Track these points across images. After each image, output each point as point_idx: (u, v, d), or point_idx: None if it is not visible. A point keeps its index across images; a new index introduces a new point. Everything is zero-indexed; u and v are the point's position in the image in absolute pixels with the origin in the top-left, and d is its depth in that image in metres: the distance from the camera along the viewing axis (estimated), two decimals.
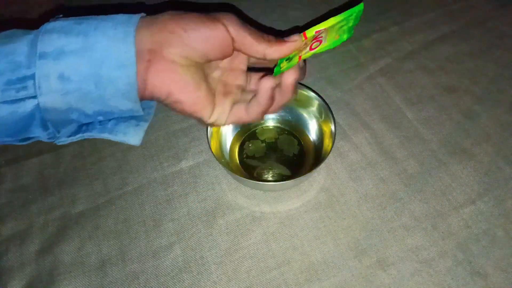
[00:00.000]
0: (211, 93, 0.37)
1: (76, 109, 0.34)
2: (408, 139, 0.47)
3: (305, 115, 0.47)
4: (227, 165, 0.44)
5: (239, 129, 0.48)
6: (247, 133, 0.48)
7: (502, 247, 0.39)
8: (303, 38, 0.32)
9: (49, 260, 0.40)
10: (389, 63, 0.54)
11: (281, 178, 0.44)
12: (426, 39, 0.57)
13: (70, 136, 0.39)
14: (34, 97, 0.33)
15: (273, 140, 0.47)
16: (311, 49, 0.34)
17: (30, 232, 0.41)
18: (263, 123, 0.48)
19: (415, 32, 0.58)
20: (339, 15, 0.31)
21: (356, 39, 0.57)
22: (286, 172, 0.45)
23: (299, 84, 0.46)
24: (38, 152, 0.47)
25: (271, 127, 0.48)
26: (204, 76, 0.36)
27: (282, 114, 0.48)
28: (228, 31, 0.33)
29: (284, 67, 0.34)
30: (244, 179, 0.41)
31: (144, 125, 0.41)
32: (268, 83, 0.34)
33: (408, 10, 0.61)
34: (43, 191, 0.44)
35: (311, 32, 0.32)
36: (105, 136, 0.39)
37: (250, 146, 0.47)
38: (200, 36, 0.33)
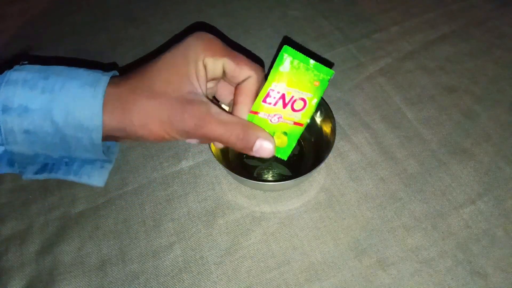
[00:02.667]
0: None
1: (42, 154, 0.34)
2: (408, 139, 0.47)
3: None
4: (227, 165, 0.44)
5: None
6: None
7: (502, 247, 0.39)
8: (254, 115, 0.31)
9: (49, 260, 0.40)
10: (389, 63, 0.54)
11: (281, 178, 0.44)
12: (426, 39, 0.57)
13: (36, 173, 0.38)
14: (1, 144, 0.32)
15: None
16: (294, 110, 0.32)
17: (30, 232, 0.41)
18: None
19: (415, 32, 0.58)
20: (271, 70, 0.30)
21: (356, 39, 0.57)
22: (286, 172, 0.45)
23: None
24: None
25: None
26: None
27: None
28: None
29: (286, 142, 0.33)
30: (244, 179, 0.41)
31: (109, 167, 0.40)
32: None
33: (408, 10, 0.61)
34: (43, 191, 0.44)
35: (257, 105, 0.31)
36: (70, 178, 0.39)
37: None
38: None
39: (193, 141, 0.34)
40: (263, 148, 0.31)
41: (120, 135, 0.32)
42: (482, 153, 0.45)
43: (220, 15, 0.61)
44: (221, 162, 0.40)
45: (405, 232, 0.40)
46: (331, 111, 0.43)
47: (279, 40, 0.58)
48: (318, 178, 0.44)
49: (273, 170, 0.45)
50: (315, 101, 0.32)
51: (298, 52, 0.30)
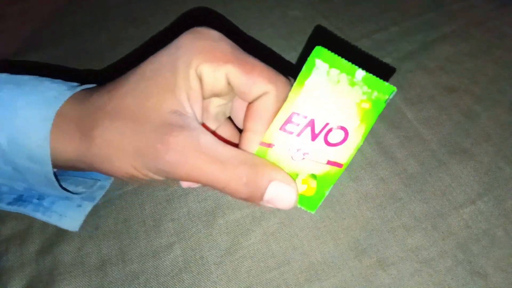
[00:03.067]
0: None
1: (4, 184, 0.28)
2: (408, 139, 0.47)
3: None
4: None
5: None
6: None
7: (502, 247, 0.39)
8: (267, 149, 0.22)
9: (49, 260, 0.40)
10: (389, 63, 0.54)
11: None
12: (426, 39, 0.57)
13: (9, 204, 0.34)
14: None
15: None
16: (329, 144, 0.22)
17: (30, 232, 0.41)
18: None
19: (415, 32, 0.58)
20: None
21: (356, 39, 0.57)
22: None
23: None
24: None
25: None
26: None
27: None
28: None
29: (315, 189, 0.24)
30: None
31: (88, 206, 0.33)
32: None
33: (408, 10, 0.61)
34: None
35: (272, 135, 0.21)
36: (38, 216, 0.32)
37: None
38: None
39: (185, 184, 0.26)
40: (280, 196, 0.21)
41: (84, 167, 0.24)
42: (482, 153, 0.45)
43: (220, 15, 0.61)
44: None
45: (405, 232, 0.40)
46: None
47: (279, 40, 0.58)
48: None
49: None
50: (362, 132, 0.23)
51: (339, 57, 0.20)
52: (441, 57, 0.55)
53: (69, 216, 0.33)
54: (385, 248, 0.39)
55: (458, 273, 0.38)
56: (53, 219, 0.33)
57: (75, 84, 0.26)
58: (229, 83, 0.22)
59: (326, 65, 0.20)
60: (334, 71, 0.20)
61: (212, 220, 0.42)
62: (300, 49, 0.56)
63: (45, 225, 0.42)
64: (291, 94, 0.21)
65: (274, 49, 0.56)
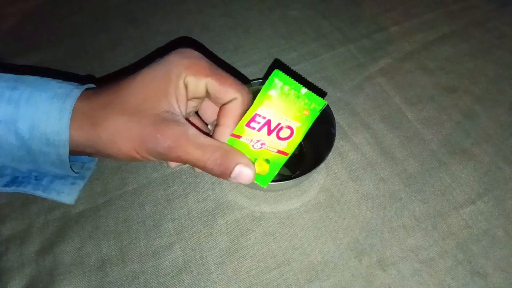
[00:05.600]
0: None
1: (9, 167, 0.33)
2: (408, 139, 0.47)
3: None
4: None
5: None
6: None
7: (502, 247, 0.39)
8: (236, 139, 0.30)
9: (49, 260, 0.40)
10: (389, 63, 0.54)
11: (281, 178, 0.44)
12: (426, 39, 0.57)
13: (5, 186, 0.40)
14: None
15: None
16: (279, 138, 0.30)
17: (30, 232, 0.41)
18: None
19: (415, 32, 0.58)
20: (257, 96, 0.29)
21: (356, 39, 0.57)
22: (286, 172, 0.45)
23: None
24: None
25: None
26: None
27: None
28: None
29: (267, 170, 0.32)
30: None
31: (81, 184, 0.40)
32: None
33: (408, 10, 0.61)
34: None
35: (240, 129, 0.29)
36: (38, 193, 0.39)
37: None
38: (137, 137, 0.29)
39: (173, 164, 0.33)
40: (242, 174, 0.29)
41: (90, 151, 0.30)
42: (482, 153, 0.45)
43: (220, 15, 0.61)
44: None
45: (405, 232, 0.40)
46: (331, 111, 0.43)
47: (279, 40, 0.58)
48: (318, 178, 0.44)
49: None
50: (302, 131, 0.30)
51: (290, 78, 0.28)
52: (441, 57, 0.55)
53: (66, 192, 0.40)
54: (385, 248, 0.39)
55: (458, 273, 0.38)
56: (52, 195, 0.40)
57: (76, 84, 0.31)
58: (207, 91, 0.30)
59: (281, 83, 0.28)
60: (286, 87, 0.28)
61: (212, 220, 0.42)
62: (300, 49, 0.56)
63: (45, 225, 0.42)
64: (256, 101, 0.29)
65: (274, 49, 0.56)
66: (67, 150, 0.30)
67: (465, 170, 0.44)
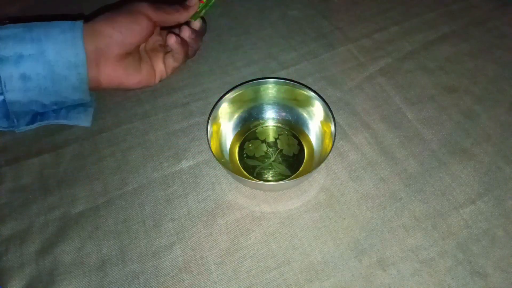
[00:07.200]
0: (149, 64, 0.47)
1: (35, 101, 0.41)
2: (408, 139, 0.47)
3: (305, 115, 0.47)
4: (227, 165, 0.44)
5: (239, 129, 0.48)
6: (247, 133, 0.48)
7: (502, 247, 0.39)
8: None
9: (49, 260, 0.40)
10: (389, 63, 0.54)
11: (281, 178, 0.44)
12: (426, 39, 0.57)
13: (28, 124, 0.46)
14: (1, 93, 0.39)
15: (273, 140, 0.47)
16: None
17: (30, 232, 0.41)
18: (263, 123, 0.48)
19: (415, 32, 0.58)
20: None
21: (356, 39, 0.57)
22: (286, 172, 0.45)
23: (301, 84, 0.46)
24: (38, 152, 0.47)
25: (271, 127, 0.48)
26: (139, 56, 0.46)
27: (282, 114, 0.48)
28: (150, 18, 0.43)
29: (202, 11, 0.48)
30: (244, 179, 0.41)
31: (91, 110, 0.48)
32: (171, 39, 0.45)
33: (408, 10, 0.61)
34: (43, 191, 0.44)
35: None
36: (61, 121, 0.46)
37: (250, 146, 0.47)
38: (132, 32, 0.42)
39: (171, 40, 0.45)
40: (191, 9, 0.47)
41: (98, 59, 0.41)
42: (482, 153, 0.45)
43: (220, 15, 0.61)
44: (221, 162, 0.41)
45: (405, 232, 0.40)
46: (331, 111, 0.43)
47: (279, 40, 0.58)
48: (318, 178, 0.44)
49: (273, 170, 0.45)
50: None
51: None
52: (441, 57, 0.55)
53: (82, 118, 0.47)
54: (385, 248, 0.39)
55: (458, 273, 0.38)
56: (72, 121, 0.47)
57: (71, 21, 0.41)
58: None
59: None
60: None
61: (212, 220, 0.42)
62: (300, 48, 0.56)
63: (45, 225, 0.42)
64: None
65: (274, 49, 0.56)
66: (85, 68, 0.40)
67: (465, 170, 0.44)
